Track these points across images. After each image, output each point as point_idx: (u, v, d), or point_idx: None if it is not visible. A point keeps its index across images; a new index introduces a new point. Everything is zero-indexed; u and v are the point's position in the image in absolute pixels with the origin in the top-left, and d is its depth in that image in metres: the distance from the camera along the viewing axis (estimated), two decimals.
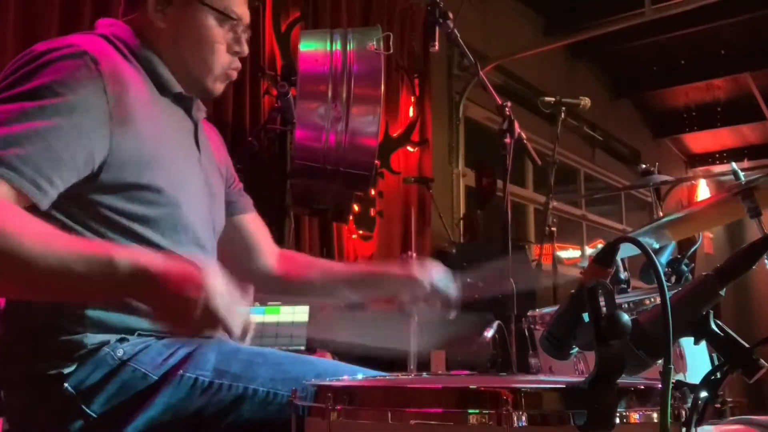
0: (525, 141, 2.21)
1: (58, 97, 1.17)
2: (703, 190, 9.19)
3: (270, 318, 2.64)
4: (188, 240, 1.35)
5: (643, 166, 3.66)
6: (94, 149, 1.20)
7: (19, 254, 1.04)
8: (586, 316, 0.89)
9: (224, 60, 1.43)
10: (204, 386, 1.23)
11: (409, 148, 4.98)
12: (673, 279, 2.35)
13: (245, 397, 1.23)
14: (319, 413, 0.92)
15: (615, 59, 7.71)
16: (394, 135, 4.84)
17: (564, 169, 7.07)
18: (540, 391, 0.85)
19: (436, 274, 1.59)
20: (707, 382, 0.90)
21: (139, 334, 1.26)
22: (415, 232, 4.46)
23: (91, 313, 1.22)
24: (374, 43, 2.91)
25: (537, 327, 2.09)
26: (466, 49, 2.32)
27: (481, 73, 2.29)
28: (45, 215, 1.16)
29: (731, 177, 2.04)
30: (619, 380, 0.83)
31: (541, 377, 1.48)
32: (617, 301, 0.94)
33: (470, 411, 0.83)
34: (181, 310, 1.05)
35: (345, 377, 1.16)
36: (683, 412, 0.88)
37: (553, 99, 3.91)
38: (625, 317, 0.84)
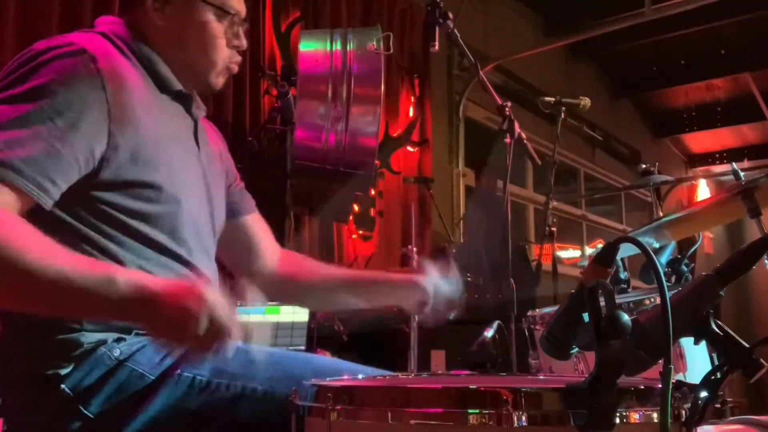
0: (525, 141, 2.22)
1: (57, 97, 1.17)
2: (703, 190, 9.20)
3: (270, 318, 2.64)
4: (188, 237, 1.35)
5: (643, 166, 3.66)
6: (94, 146, 1.20)
7: (21, 267, 1.05)
8: (586, 316, 0.89)
9: (225, 54, 1.44)
10: (202, 385, 1.23)
11: (409, 148, 4.98)
12: (673, 279, 2.35)
13: (243, 396, 1.23)
14: (319, 413, 0.92)
15: (615, 59, 7.71)
16: (394, 135, 4.84)
17: (564, 169, 7.07)
18: (540, 391, 0.85)
19: (438, 279, 1.57)
20: (707, 382, 0.90)
21: (136, 334, 1.26)
22: (415, 232, 4.46)
23: None
24: (374, 43, 2.91)
25: (537, 327, 2.09)
26: (466, 49, 2.32)
27: (481, 73, 2.29)
28: (46, 212, 1.17)
29: (731, 177, 2.04)
30: (619, 380, 0.83)
31: (541, 377, 1.48)
32: (617, 301, 0.94)
33: (470, 411, 0.83)
34: (183, 324, 1.06)
35: (345, 377, 1.16)
36: (683, 412, 0.88)
37: (553, 99, 3.91)
38: (625, 317, 0.84)
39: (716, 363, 0.93)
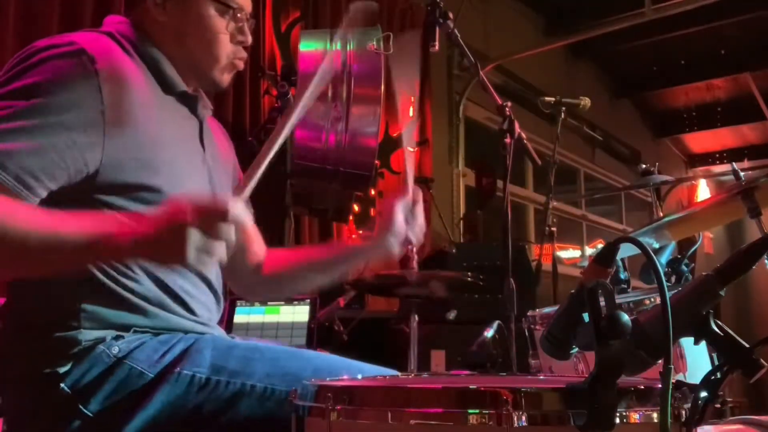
0: (525, 141, 2.21)
1: (49, 96, 1.17)
2: (703, 190, 9.19)
3: (270, 318, 2.64)
4: None
5: (643, 166, 3.66)
6: (85, 148, 1.20)
7: (13, 234, 1.07)
8: (586, 316, 0.89)
9: (229, 50, 1.43)
10: (201, 383, 1.23)
11: (409, 148, 4.97)
12: (673, 279, 2.35)
13: (243, 394, 1.23)
14: (319, 413, 0.92)
15: (615, 59, 7.71)
16: (394, 135, 4.84)
17: (564, 169, 7.07)
18: (540, 391, 0.85)
19: (398, 222, 1.50)
20: (707, 382, 0.90)
21: (135, 331, 1.26)
22: None
23: (88, 308, 1.23)
24: (374, 43, 2.90)
25: (537, 327, 2.09)
26: (466, 49, 2.32)
27: (481, 73, 2.29)
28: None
29: (731, 177, 2.04)
30: (619, 380, 0.83)
31: (541, 377, 1.48)
32: (617, 301, 0.94)
33: (470, 411, 0.83)
34: (180, 240, 1.05)
35: (345, 377, 1.16)
36: (683, 412, 0.88)
37: (553, 99, 3.91)
38: (625, 317, 0.84)
39: (716, 363, 0.93)
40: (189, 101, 1.43)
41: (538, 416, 0.83)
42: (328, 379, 1.06)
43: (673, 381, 0.83)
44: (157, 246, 1.08)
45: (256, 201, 1.69)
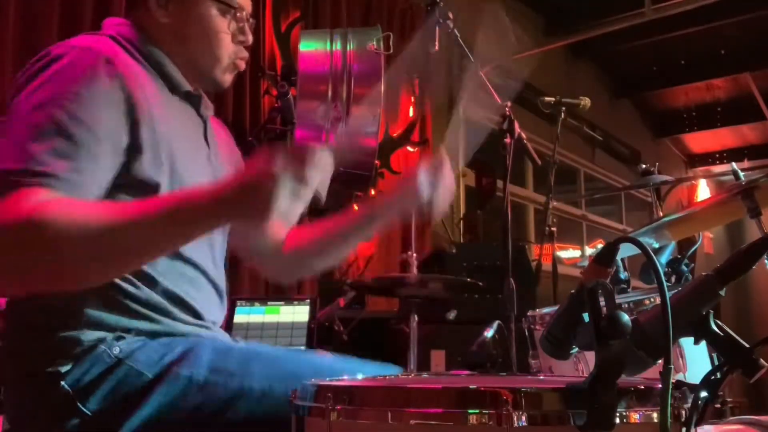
0: (525, 141, 2.22)
1: (84, 102, 1.18)
2: (703, 190, 9.20)
3: (270, 318, 2.64)
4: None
5: (643, 166, 3.65)
6: (120, 150, 1.22)
7: (107, 234, 1.08)
8: (586, 316, 0.89)
9: (230, 50, 1.44)
10: (199, 384, 1.23)
11: (409, 148, 4.97)
12: (673, 279, 2.35)
13: (241, 395, 1.23)
14: (319, 413, 0.92)
15: (615, 59, 7.72)
16: (394, 135, 4.84)
17: (564, 169, 7.07)
18: (540, 391, 0.85)
19: (419, 180, 1.62)
20: (707, 382, 0.90)
21: (136, 333, 1.26)
22: (415, 232, 4.46)
23: (88, 312, 1.23)
24: (374, 43, 2.90)
25: (537, 327, 2.09)
26: (467, 49, 2.32)
27: (481, 73, 2.29)
28: None
29: (731, 177, 2.04)
30: (619, 380, 0.83)
31: (541, 377, 1.48)
32: (617, 301, 0.94)
33: (470, 411, 0.83)
34: (266, 192, 1.06)
35: (345, 377, 1.16)
36: (683, 412, 0.88)
37: (553, 99, 3.90)
38: (625, 317, 0.84)
39: (716, 363, 0.93)
40: (193, 101, 1.44)
41: (538, 416, 0.83)
42: (328, 379, 1.06)
43: (673, 381, 0.83)
44: (244, 200, 1.09)
45: None
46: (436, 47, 2.30)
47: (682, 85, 8.17)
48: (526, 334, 2.14)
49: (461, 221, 5.54)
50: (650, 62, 7.81)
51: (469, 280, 2.26)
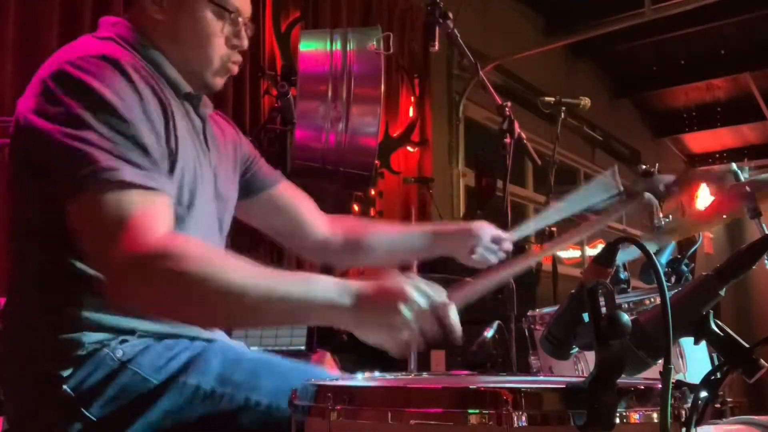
0: (525, 141, 2.22)
1: (118, 110, 1.17)
2: (704, 191, 9.17)
3: None
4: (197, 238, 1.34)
5: (643, 166, 3.65)
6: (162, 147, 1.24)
7: (234, 289, 1.09)
8: (586, 316, 0.89)
9: (222, 53, 1.42)
10: (206, 394, 1.21)
11: (409, 148, 4.98)
12: (673, 279, 2.35)
13: (247, 408, 1.21)
14: (319, 413, 0.92)
15: (615, 59, 7.72)
16: (394, 135, 4.84)
17: (564, 169, 7.07)
18: (540, 391, 0.85)
19: (487, 227, 1.69)
20: (707, 382, 0.90)
21: (140, 335, 1.25)
22: None
23: (89, 313, 1.22)
24: (374, 43, 2.90)
25: (537, 327, 2.09)
26: (466, 49, 2.32)
27: (481, 73, 2.29)
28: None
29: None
30: (619, 380, 0.83)
31: (541, 377, 1.48)
32: (617, 301, 0.94)
33: (470, 411, 0.83)
34: (390, 318, 1.07)
35: (345, 377, 1.16)
36: (683, 412, 0.88)
37: (553, 99, 3.91)
38: (625, 317, 0.84)
39: (716, 363, 0.93)
40: (192, 102, 1.43)
41: (538, 416, 0.83)
42: (328, 379, 1.05)
43: (673, 381, 0.83)
44: (364, 319, 1.10)
45: (279, 171, 1.73)
46: (437, 47, 2.30)
47: (682, 85, 8.17)
48: (526, 334, 2.14)
49: (461, 221, 5.54)
50: (650, 62, 7.82)
51: (469, 278, 2.26)
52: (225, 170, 1.51)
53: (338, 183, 3.06)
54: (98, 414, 1.19)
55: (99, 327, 1.22)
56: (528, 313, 2.15)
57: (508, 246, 1.72)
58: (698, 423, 0.87)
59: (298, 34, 3.79)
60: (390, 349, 1.11)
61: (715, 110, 8.56)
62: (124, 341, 1.23)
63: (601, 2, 5.99)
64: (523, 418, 0.82)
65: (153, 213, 1.13)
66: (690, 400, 0.89)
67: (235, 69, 1.47)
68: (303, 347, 2.53)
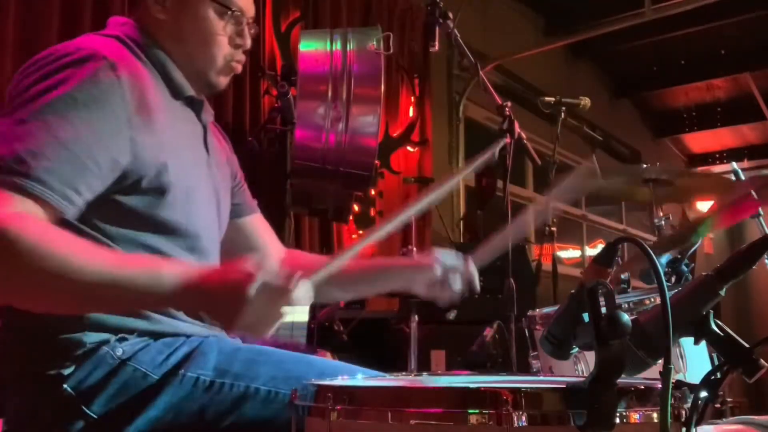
0: (525, 141, 2.22)
1: (79, 106, 1.17)
2: None
3: None
4: (195, 243, 1.35)
5: (643, 166, 3.66)
6: (118, 155, 1.20)
7: (70, 272, 1.06)
8: (586, 316, 0.89)
9: (226, 52, 1.42)
10: (205, 385, 1.23)
11: (409, 148, 4.98)
12: (673, 279, 2.35)
13: (247, 396, 1.22)
14: (319, 413, 0.92)
15: (615, 59, 7.72)
16: (394, 135, 4.84)
17: (564, 169, 7.06)
18: (540, 391, 0.86)
19: (445, 257, 1.55)
20: (707, 382, 0.90)
21: (139, 334, 1.26)
22: (415, 232, 4.47)
23: (91, 315, 1.22)
24: (374, 43, 2.91)
25: (537, 327, 2.09)
26: (466, 49, 2.32)
27: (481, 73, 2.29)
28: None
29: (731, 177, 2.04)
30: (619, 380, 0.83)
31: (541, 377, 1.48)
32: (617, 301, 0.94)
33: (470, 411, 0.83)
34: (236, 300, 1.05)
35: (345, 377, 1.16)
36: (683, 412, 0.88)
37: (553, 99, 3.90)
38: (625, 317, 0.84)
39: (716, 363, 0.93)
40: (194, 106, 1.43)
41: (538, 416, 0.83)
42: (328, 379, 1.06)
43: (673, 381, 0.83)
44: (212, 303, 1.09)
45: (256, 201, 1.70)
46: (437, 47, 2.30)
47: (682, 85, 8.17)
48: (526, 334, 2.14)
49: (461, 221, 5.54)
50: (650, 62, 7.82)
51: None
52: (223, 176, 1.51)
53: (338, 183, 3.06)
54: (100, 411, 1.19)
55: (99, 327, 1.23)
56: (528, 313, 2.15)
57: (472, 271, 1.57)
58: (698, 423, 0.88)
59: (298, 34, 3.79)
60: (251, 332, 1.09)
61: (715, 110, 8.56)
62: (123, 339, 1.24)
63: (601, 2, 5.99)
64: (523, 418, 0.82)
65: (7, 195, 1.09)
66: (690, 400, 0.89)
67: (239, 68, 1.47)
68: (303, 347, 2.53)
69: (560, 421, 0.83)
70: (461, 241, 5.27)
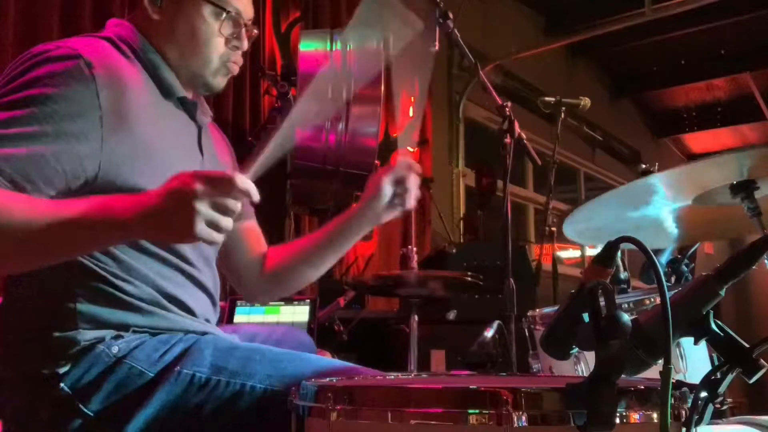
0: (525, 141, 2.22)
1: (48, 103, 1.18)
2: None
3: (270, 318, 2.64)
4: (185, 245, 1.35)
5: (643, 166, 3.65)
6: (84, 155, 1.20)
7: (12, 227, 1.07)
8: (586, 316, 0.89)
9: (221, 52, 1.42)
10: (201, 383, 1.23)
11: (409, 148, 4.97)
12: (673, 279, 2.35)
13: (243, 394, 1.22)
14: (319, 413, 0.92)
15: (615, 59, 7.72)
16: (394, 135, 4.83)
17: (564, 169, 7.07)
18: (540, 391, 0.85)
19: (395, 173, 1.63)
20: (707, 382, 0.90)
21: (134, 331, 1.26)
22: (415, 232, 4.47)
23: (84, 309, 1.23)
24: (374, 43, 2.90)
25: (537, 327, 2.09)
26: (466, 49, 2.32)
27: (481, 73, 2.29)
28: None
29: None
30: (619, 380, 0.83)
31: (541, 377, 1.48)
32: (617, 301, 0.94)
33: (470, 411, 0.83)
34: (187, 211, 1.05)
35: (345, 377, 1.16)
36: (683, 412, 0.88)
37: (553, 99, 3.90)
38: (625, 317, 0.84)
39: (716, 363, 0.93)
40: (188, 107, 1.43)
41: (538, 416, 0.83)
42: (328, 379, 1.06)
43: (673, 381, 0.83)
44: (164, 219, 1.08)
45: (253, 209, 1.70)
46: (437, 47, 2.30)
47: (682, 85, 8.17)
48: (526, 334, 2.14)
49: (461, 221, 5.54)
50: (650, 62, 7.82)
51: (469, 277, 2.26)
52: None
53: (338, 183, 3.06)
54: (96, 409, 1.20)
55: (94, 323, 1.23)
56: (528, 313, 2.15)
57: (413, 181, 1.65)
58: (698, 423, 0.87)
59: (298, 34, 3.79)
60: (212, 236, 1.08)
61: (715, 110, 8.56)
62: (119, 337, 1.24)
63: (601, 2, 5.99)
64: (523, 418, 0.82)
65: None
66: (690, 400, 0.89)
67: (236, 69, 1.47)
68: None
69: (560, 421, 0.83)
70: (461, 241, 5.27)
